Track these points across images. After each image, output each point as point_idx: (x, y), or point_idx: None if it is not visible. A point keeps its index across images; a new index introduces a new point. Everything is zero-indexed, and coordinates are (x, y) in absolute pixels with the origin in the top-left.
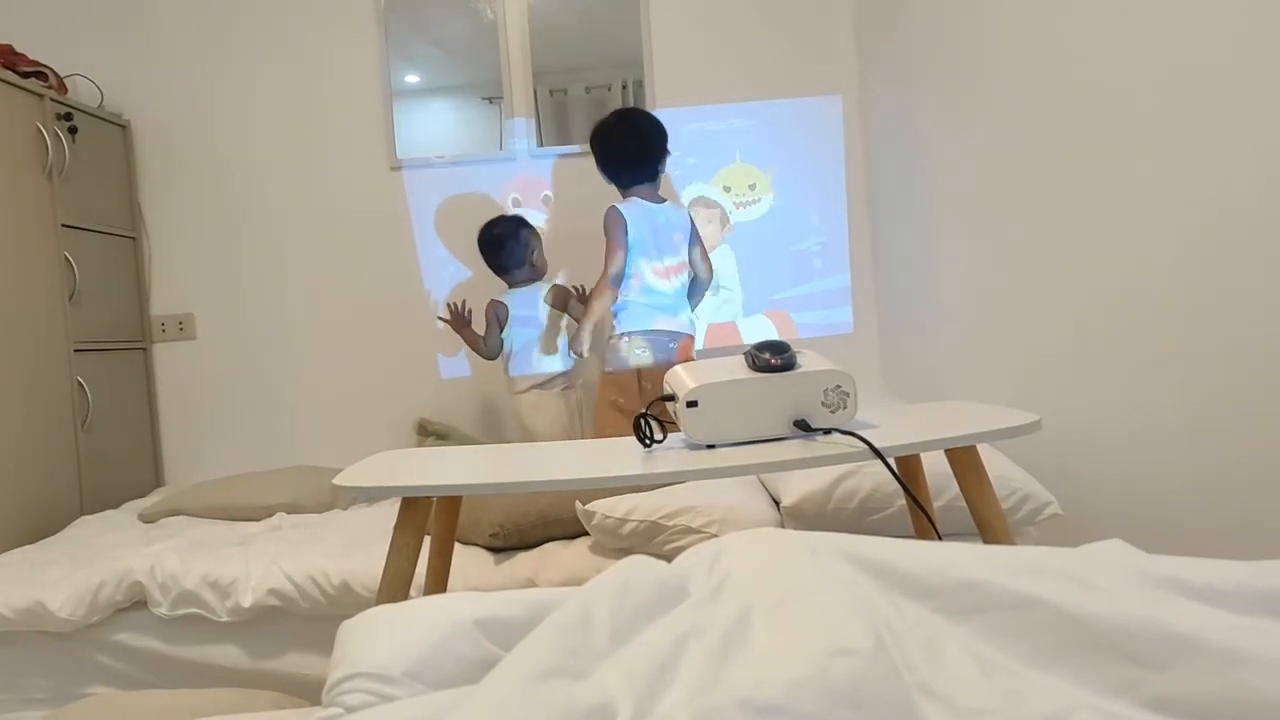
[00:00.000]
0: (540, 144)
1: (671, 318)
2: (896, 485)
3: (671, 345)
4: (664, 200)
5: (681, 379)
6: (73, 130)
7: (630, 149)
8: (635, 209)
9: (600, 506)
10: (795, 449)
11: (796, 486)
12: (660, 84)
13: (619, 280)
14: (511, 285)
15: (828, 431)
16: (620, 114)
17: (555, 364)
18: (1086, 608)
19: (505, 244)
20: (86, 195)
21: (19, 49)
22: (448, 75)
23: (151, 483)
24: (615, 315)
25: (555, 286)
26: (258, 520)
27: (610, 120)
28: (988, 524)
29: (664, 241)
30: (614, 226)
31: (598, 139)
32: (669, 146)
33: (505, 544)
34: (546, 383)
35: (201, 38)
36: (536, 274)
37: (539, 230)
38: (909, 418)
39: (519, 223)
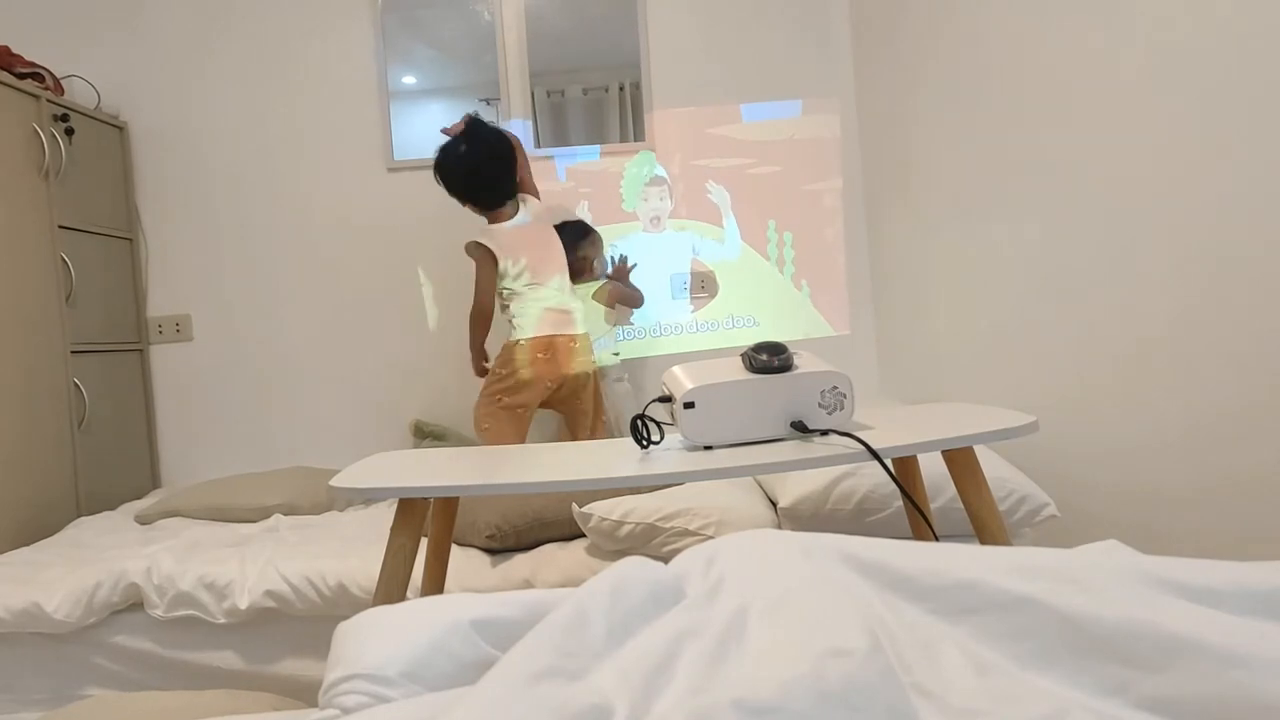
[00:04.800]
0: (538, 145)
1: (563, 318)
2: (894, 486)
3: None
4: (518, 210)
5: (679, 380)
6: (69, 131)
7: (472, 180)
8: (498, 235)
9: (597, 509)
10: (792, 450)
11: (793, 488)
12: (658, 85)
13: (488, 315)
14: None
15: (825, 433)
16: (446, 150)
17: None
18: (1082, 609)
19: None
20: (83, 196)
21: (15, 50)
22: (445, 76)
23: (148, 484)
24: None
25: (608, 285)
26: (254, 522)
27: (442, 157)
28: (984, 525)
29: (536, 249)
30: (479, 264)
31: (440, 177)
32: (513, 155)
33: (501, 545)
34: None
35: (198, 39)
36: (594, 277)
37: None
38: (906, 419)
39: (581, 233)
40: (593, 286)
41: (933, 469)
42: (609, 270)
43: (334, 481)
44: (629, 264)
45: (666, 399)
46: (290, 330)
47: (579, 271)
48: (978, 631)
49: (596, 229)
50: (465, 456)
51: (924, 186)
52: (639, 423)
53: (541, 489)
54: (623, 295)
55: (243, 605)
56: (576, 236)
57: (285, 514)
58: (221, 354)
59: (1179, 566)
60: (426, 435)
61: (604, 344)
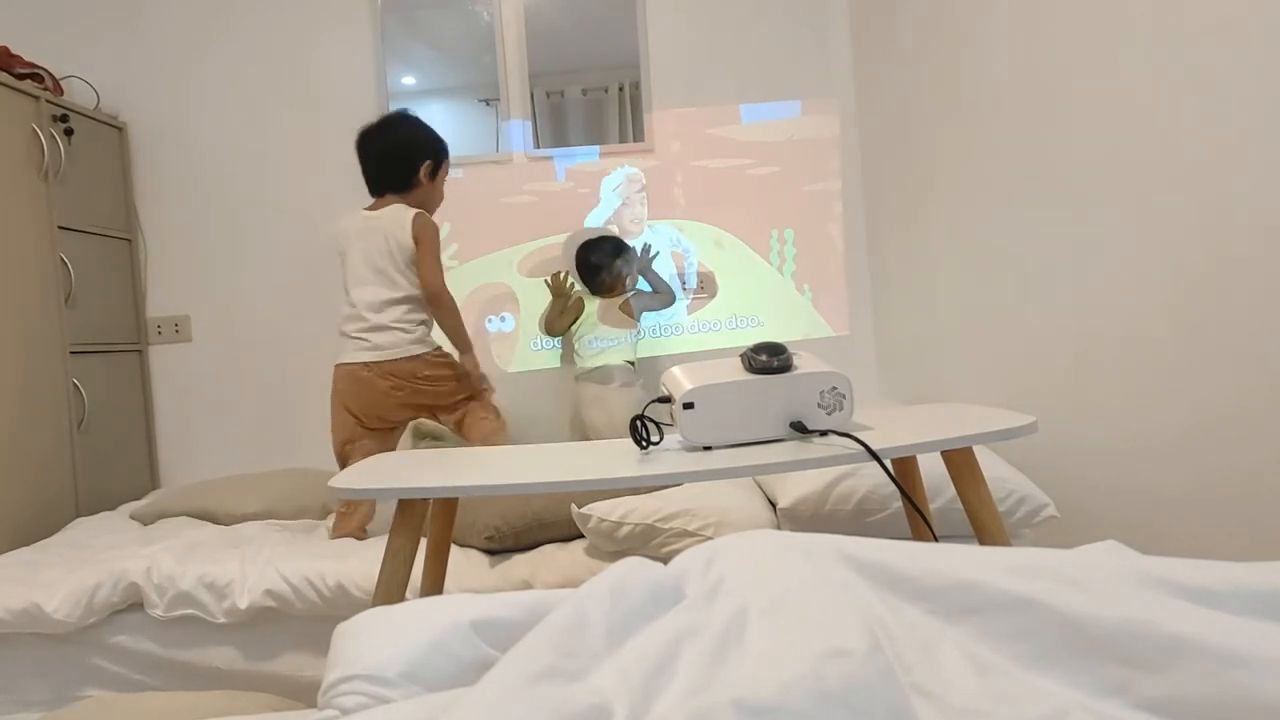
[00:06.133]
0: (537, 146)
1: (366, 347)
2: (893, 487)
3: (364, 375)
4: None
5: (678, 380)
6: (69, 132)
7: (364, 165)
8: (346, 220)
9: (597, 510)
10: (791, 450)
11: (793, 488)
12: (657, 86)
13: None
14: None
15: (824, 433)
16: (366, 131)
17: (619, 355)
18: (1082, 609)
19: (600, 273)
20: (82, 197)
21: (15, 50)
22: (444, 77)
23: (147, 484)
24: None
25: (631, 298)
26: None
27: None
28: (984, 525)
29: (370, 252)
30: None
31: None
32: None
33: (501, 546)
34: (604, 377)
35: (197, 40)
36: (625, 291)
37: (630, 253)
38: (905, 419)
39: (616, 250)
40: (618, 300)
41: (933, 469)
42: (637, 278)
43: (333, 482)
44: (651, 252)
45: (666, 399)
46: (289, 330)
47: (612, 286)
48: (978, 632)
49: (629, 244)
50: (464, 457)
51: (923, 186)
52: (638, 423)
53: (541, 489)
54: (649, 301)
55: (242, 605)
56: (612, 253)
57: (287, 517)
58: (220, 355)
59: (1178, 567)
60: (425, 436)
61: (615, 342)
